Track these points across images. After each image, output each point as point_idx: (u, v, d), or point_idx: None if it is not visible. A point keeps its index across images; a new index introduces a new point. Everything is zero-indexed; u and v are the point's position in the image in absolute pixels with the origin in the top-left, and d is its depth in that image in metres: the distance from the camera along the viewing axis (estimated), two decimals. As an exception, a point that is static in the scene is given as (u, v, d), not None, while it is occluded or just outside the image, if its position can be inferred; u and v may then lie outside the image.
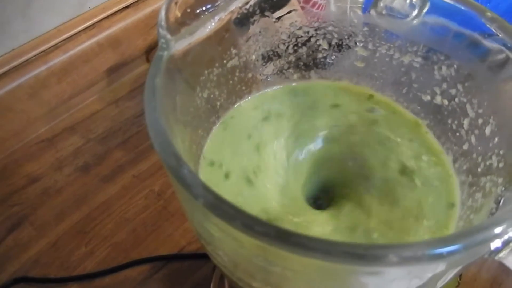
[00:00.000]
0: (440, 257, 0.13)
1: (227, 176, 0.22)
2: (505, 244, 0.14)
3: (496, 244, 0.14)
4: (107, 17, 0.49)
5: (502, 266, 0.39)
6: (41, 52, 0.46)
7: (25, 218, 0.42)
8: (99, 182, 0.45)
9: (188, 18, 0.18)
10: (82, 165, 0.46)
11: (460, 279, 0.36)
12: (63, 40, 0.47)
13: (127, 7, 0.50)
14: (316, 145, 0.24)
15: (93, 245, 0.41)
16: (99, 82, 0.51)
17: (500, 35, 0.18)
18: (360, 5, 0.25)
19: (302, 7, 0.26)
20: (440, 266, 0.15)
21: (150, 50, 0.53)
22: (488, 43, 0.20)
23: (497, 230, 0.14)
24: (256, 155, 0.24)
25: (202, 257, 0.40)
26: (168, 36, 0.17)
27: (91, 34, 0.48)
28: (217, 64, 0.21)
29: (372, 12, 0.24)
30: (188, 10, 0.18)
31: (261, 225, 0.12)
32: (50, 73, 0.47)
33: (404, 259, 0.13)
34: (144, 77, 0.58)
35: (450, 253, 0.13)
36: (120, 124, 0.49)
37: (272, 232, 0.12)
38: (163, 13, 0.17)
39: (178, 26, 0.18)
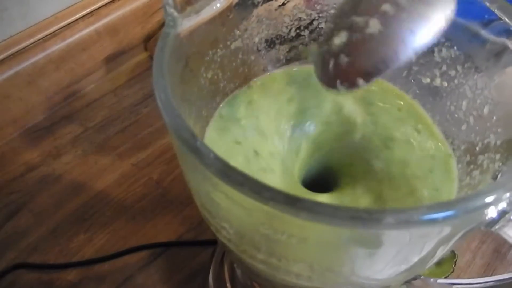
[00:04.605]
0: (435, 222, 0.14)
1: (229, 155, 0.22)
2: (501, 215, 0.15)
3: (491, 213, 0.14)
4: (105, 5, 0.49)
5: (496, 252, 0.39)
6: (39, 39, 0.46)
7: (24, 205, 0.43)
8: (98, 170, 0.45)
9: (194, -3, 0.18)
10: (80, 153, 0.46)
11: (454, 265, 0.37)
12: (61, 28, 0.47)
13: (125, -5, 0.50)
14: (316, 127, 0.25)
15: (92, 232, 0.41)
16: (97, 71, 0.51)
17: (502, 19, 0.19)
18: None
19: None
20: (437, 231, 0.15)
21: (149, 39, 0.53)
22: (487, 32, 0.20)
23: (490, 198, 0.14)
24: (257, 138, 0.24)
25: (200, 244, 0.40)
26: (175, 14, 0.17)
27: (89, 22, 0.48)
28: (221, 45, 0.22)
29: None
30: (194, -11, 0.18)
31: (269, 191, 0.12)
32: (48, 60, 0.47)
33: (401, 222, 0.13)
34: (143, 66, 0.58)
35: (445, 218, 0.14)
36: (119, 113, 0.49)
37: (280, 197, 0.12)
38: (169, -9, 0.18)
39: (184, 4, 0.18)
